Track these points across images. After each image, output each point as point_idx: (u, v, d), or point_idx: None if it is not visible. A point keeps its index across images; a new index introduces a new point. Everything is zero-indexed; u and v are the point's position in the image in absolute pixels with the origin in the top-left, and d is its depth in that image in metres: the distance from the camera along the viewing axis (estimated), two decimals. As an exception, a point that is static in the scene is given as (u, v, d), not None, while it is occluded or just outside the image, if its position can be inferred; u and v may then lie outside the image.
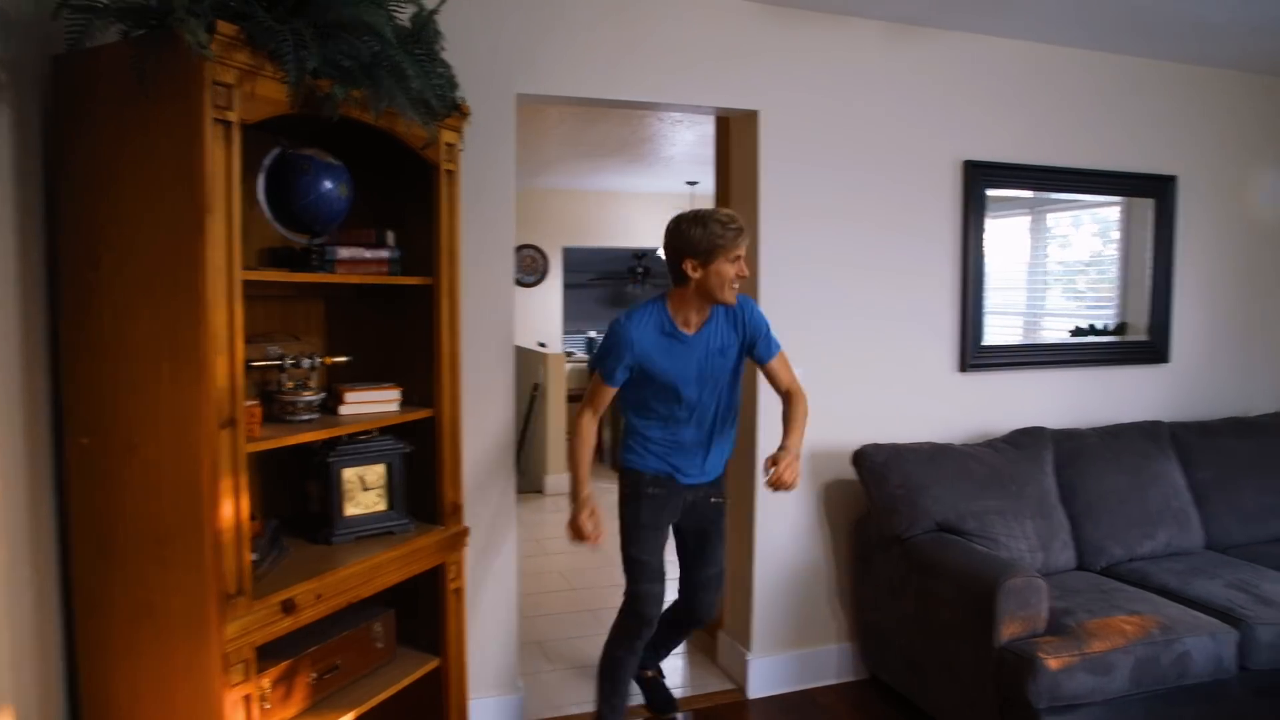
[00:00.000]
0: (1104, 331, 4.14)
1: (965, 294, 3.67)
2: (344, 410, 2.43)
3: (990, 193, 3.73)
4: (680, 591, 3.08)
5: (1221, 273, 4.29)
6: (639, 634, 2.89)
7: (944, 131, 3.61)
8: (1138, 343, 4.11)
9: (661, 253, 2.92)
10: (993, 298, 3.88)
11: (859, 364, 3.51)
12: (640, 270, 12.52)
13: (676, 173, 7.70)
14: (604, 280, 12.61)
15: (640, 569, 2.85)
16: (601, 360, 2.76)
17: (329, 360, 2.53)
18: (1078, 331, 4.10)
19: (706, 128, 4.96)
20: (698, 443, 2.84)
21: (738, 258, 2.62)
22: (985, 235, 3.69)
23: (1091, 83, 3.90)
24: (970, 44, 3.64)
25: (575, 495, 2.79)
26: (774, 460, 2.64)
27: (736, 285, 2.66)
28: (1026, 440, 3.50)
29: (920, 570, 3.07)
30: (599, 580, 4.79)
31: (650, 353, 2.70)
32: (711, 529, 2.97)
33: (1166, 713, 2.82)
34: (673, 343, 2.72)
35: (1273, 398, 4.45)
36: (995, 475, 3.29)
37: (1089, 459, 3.52)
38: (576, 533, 2.76)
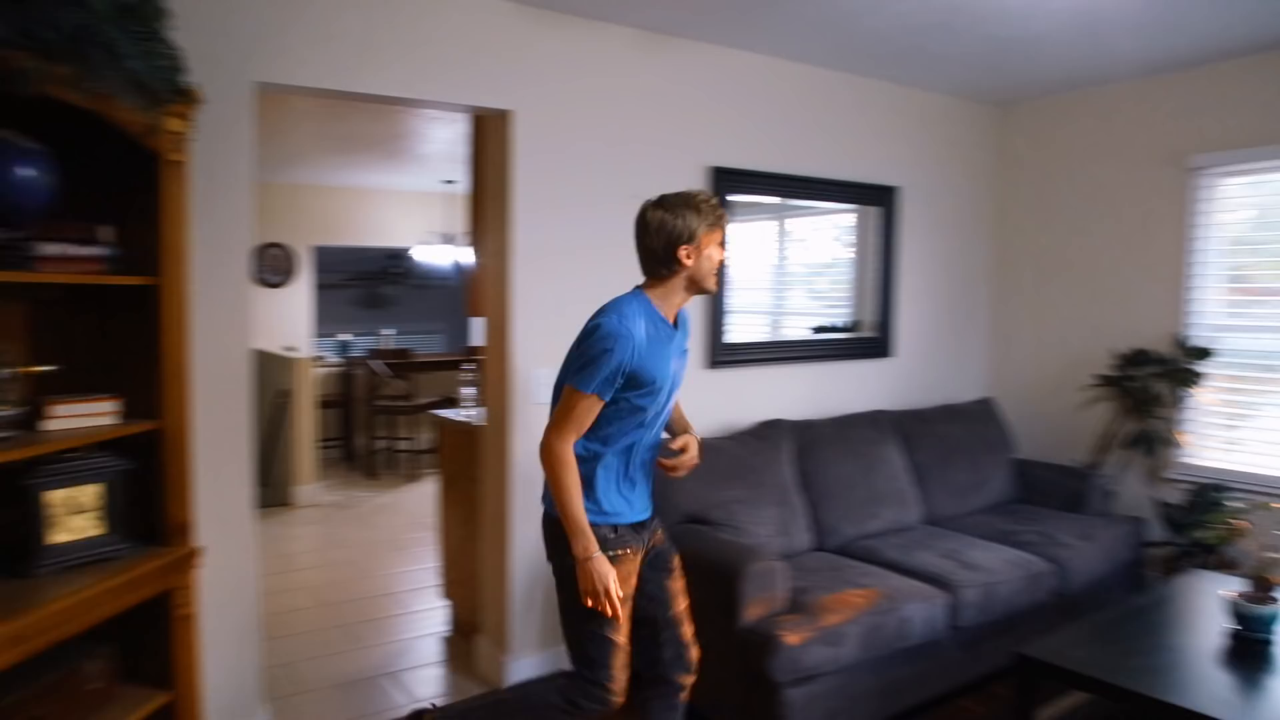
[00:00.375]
0: (840, 329, 4.50)
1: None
2: (49, 425, 2.17)
3: (737, 198, 3.94)
4: (648, 654, 2.50)
5: (935, 275, 4.79)
6: None
7: (693, 138, 3.78)
8: (867, 339, 4.51)
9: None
10: (741, 297, 4.11)
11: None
12: (396, 271, 12.15)
13: (433, 170, 7.54)
14: (358, 281, 12.14)
15: (610, 652, 2.33)
16: (590, 369, 2.21)
17: (30, 370, 2.25)
18: (819, 329, 4.44)
19: (463, 125, 4.89)
20: (649, 464, 2.45)
21: (724, 241, 2.39)
22: (731, 238, 3.89)
23: (828, 99, 4.24)
24: (719, 56, 3.83)
25: (583, 552, 2.23)
26: (685, 446, 2.47)
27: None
28: (768, 432, 3.74)
29: (673, 561, 3.19)
30: (350, 594, 4.60)
31: (645, 355, 2.26)
32: (670, 561, 2.53)
33: (890, 673, 3.11)
34: (663, 343, 2.33)
35: (978, 386, 5.03)
36: (739, 466, 3.49)
37: (824, 447, 3.81)
38: (601, 602, 2.25)
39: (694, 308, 3.76)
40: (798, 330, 4.46)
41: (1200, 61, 4.08)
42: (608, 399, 2.26)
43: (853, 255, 4.61)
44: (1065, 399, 4.74)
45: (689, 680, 2.55)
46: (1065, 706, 3.26)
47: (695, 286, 2.38)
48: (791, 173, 4.10)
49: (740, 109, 3.93)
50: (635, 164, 3.61)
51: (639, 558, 2.41)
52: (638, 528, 2.41)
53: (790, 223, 4.60)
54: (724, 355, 3.91)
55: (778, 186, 4.08)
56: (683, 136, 3.75)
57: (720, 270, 2.41)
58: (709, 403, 3.89)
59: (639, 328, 2.26)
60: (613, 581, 2.25)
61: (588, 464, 2.32)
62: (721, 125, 3.87)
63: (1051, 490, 4.33)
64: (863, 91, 4.36)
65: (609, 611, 2.25)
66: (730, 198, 3.88)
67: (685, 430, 2.58)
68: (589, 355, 2.23)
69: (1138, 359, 4.35)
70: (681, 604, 2.53)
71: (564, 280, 3.46)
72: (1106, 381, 4.44)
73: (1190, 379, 4.21)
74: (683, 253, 2.30)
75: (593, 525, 2.27)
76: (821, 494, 3.73)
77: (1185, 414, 4.31)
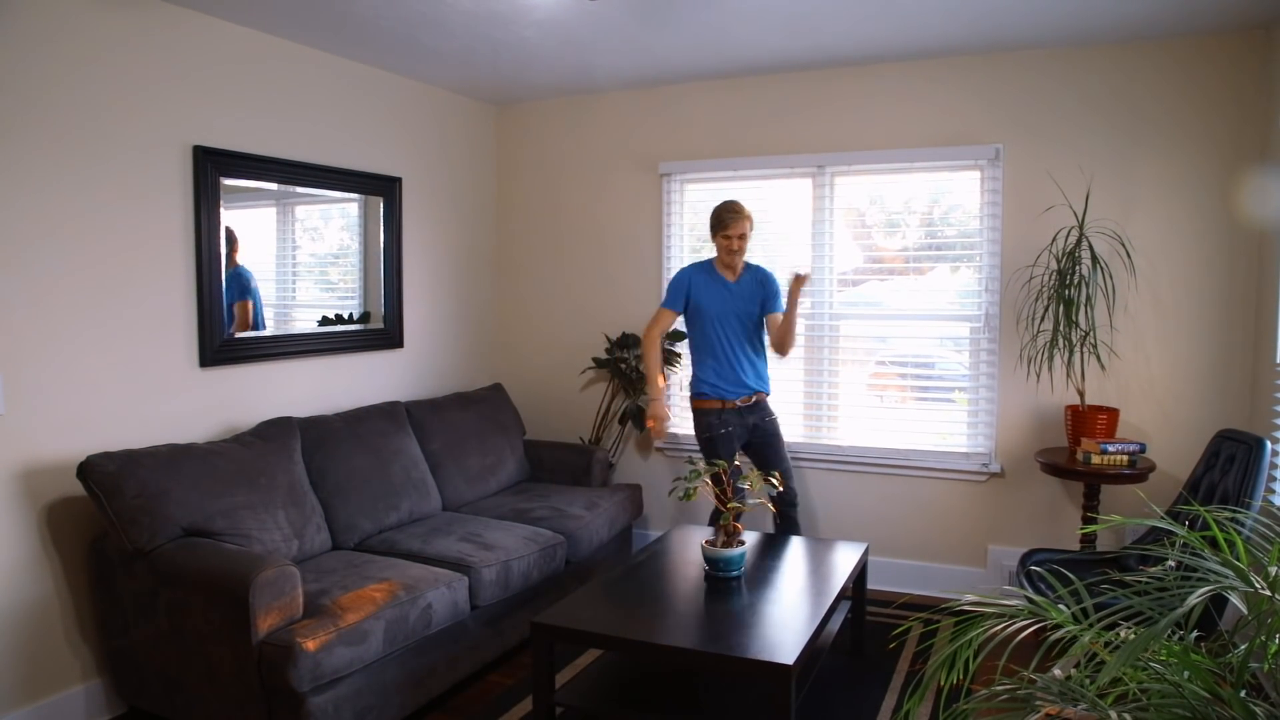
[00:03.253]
0: (350, 320, 4.36)
1: (202, 286, 3.49)
2: None
3: (232, 181, 3.61)
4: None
5: (442, 266, 4.87)
6: None
7: (171, 113, 3.37)
8: (377, 330, 4.43)
9: None
10: (242, 289, 3.77)
11: (78, 365, 3.09)
12: None
13: None
14: None
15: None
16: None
17: None
18: (325, 321, 4.24)
19: None
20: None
21: (728, 236, 3.93)
22: (223, 225, 3.56)
23: (330, 83, 4.08)
24: (203, 25, 3.46)
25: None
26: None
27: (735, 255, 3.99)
28: (274, 431, 3.49)
29: (169, 582, 2.84)
30: None
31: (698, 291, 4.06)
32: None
33: (418, 662, 3.10)
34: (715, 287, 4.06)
35: (488, 373, 5.23)
36: (243, 470, 3.21)
37: (335, 443, 3.67)
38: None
39: (180, 298, 3.43)
40: (309, 323, 4.24)
41: (667, 81, 4.66)
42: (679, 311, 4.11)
43: (359, 245, 4.50)
44: (568, 381, 5.12)
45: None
46: (583, 665, 3.51)
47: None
48: (292, 158, 3.88)
49: (233, 87, 3.60)
50: (98, 137, 3.11)
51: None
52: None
53: (301, 210, 4.35)
54: (221, 352, 3.57)
55: (277, 172, 3.83)
56: (156, 111, 3.31)
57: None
58: (205, 404, 3.53)
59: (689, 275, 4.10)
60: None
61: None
62: (209, 103, 3.51)
63: (560, 467, 4.66)
64: (364, 79, 4.27)
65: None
66: (224, 180, 3.55)
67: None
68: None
69: (626, 342, 4.85)
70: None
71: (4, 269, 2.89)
72: (601, 364, 4.89)
73: (670, 359, 4.79)
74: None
75: None
76: (336, 491, 3.58)
77: (668, 390, 4.89)
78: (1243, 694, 1.47)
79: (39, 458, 2.97)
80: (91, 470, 2.87)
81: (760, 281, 4.08)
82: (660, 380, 4.12)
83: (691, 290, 4.04)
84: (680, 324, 4.85)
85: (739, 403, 4.00)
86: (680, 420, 4.94)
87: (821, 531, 4.49)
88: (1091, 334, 3.81)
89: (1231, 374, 3.83)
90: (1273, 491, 3.31)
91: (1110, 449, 3.66)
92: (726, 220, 3.92)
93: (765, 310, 4.08)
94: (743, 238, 3.97)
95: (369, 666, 2.87)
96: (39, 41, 2.93)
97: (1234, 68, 3.75)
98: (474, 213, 5.12)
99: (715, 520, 3.99)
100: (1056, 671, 1.65)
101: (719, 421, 3.98)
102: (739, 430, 4.02)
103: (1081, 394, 3.89)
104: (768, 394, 4.12)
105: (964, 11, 3.54)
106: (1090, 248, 3.79)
